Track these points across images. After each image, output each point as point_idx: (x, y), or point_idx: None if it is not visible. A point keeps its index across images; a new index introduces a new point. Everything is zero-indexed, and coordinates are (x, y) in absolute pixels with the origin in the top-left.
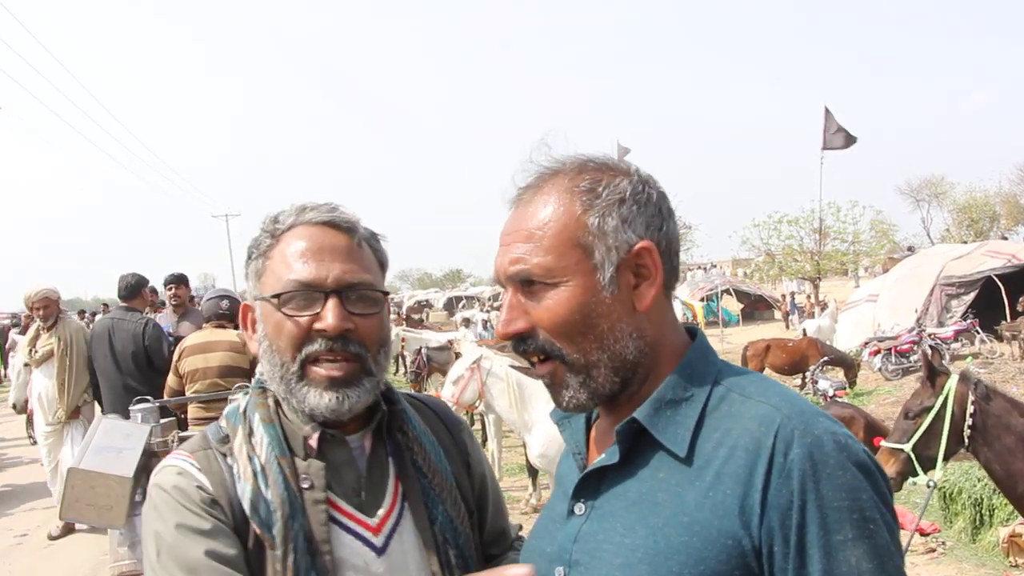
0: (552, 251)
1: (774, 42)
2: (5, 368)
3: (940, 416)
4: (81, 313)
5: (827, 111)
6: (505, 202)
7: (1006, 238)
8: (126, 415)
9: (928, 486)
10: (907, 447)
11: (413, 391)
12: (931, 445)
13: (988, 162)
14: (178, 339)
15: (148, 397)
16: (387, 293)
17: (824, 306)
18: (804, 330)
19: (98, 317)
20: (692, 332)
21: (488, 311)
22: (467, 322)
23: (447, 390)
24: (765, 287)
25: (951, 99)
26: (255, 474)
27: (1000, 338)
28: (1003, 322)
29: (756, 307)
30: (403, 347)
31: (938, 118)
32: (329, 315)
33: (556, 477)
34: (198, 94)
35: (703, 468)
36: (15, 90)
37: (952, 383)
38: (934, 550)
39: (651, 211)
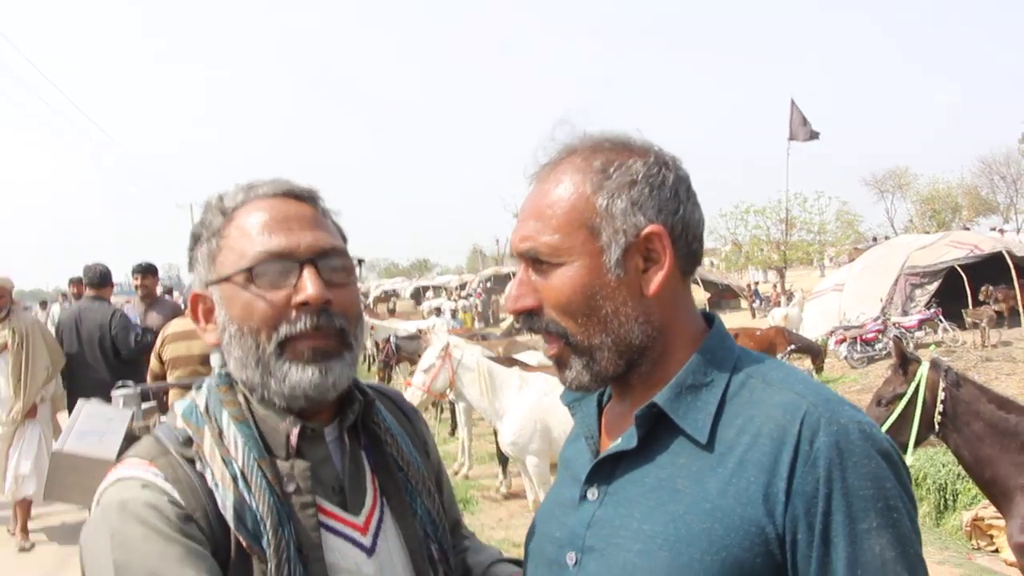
0: (559, 230)
1: (742, 33)
2: None
3: (912, 403)
4: (43, 304)
5: (793, 103)
6: (526, 178)
7: (968, 228)
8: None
9: None
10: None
11: (378, 380)
12: (903, 431)
13: (951, 155)
14: (146, 330)
15: (128, 383)
16: (361, 261)
17: (790, 296)
18: (771, 318)
19: (55, 305)
20: (709, 318)
21: (456, 300)
22: (438, 311)
23: (418, 378)
24: (732, 276)
25: (916, 93)
26: (235, 480)
27: (963, 327)
28: (967, 308)
29: (723, 296)
30: (371, 335)
31: (903, 111)
32: (309, 285)
33: (562, 460)
34: (162, 80)
35: (725, 455)
36: None
37: (923, 370)
38: None
39: (665, 194)
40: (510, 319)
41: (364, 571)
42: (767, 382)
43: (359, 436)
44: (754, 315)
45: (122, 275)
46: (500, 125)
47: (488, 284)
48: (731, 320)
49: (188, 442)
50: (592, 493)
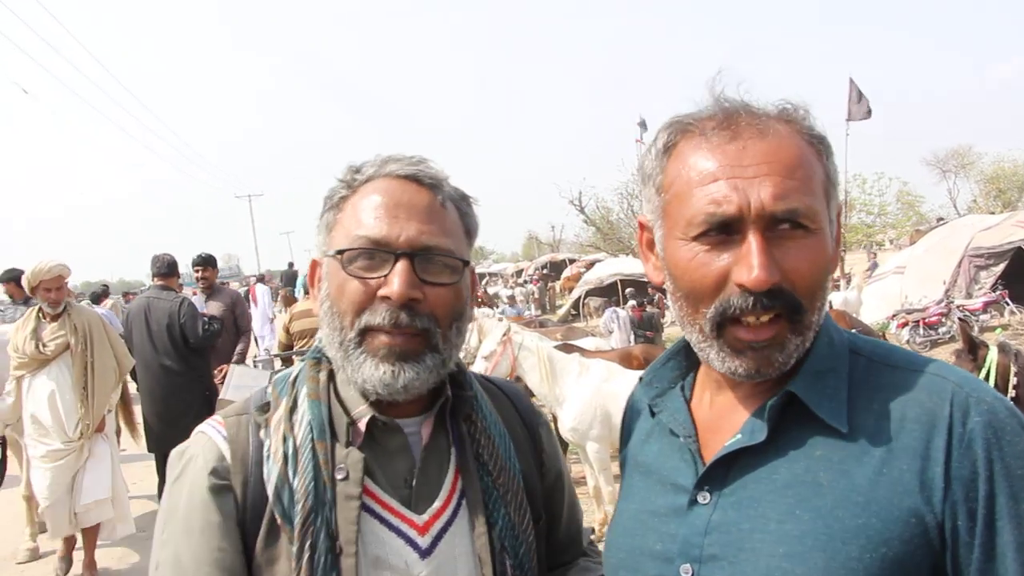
0: (815, 193)
1: (800, 13)
2: None
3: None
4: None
5: (851, 81)
6: (669, 135)
7: None
8: (161, 395)
9: None
10: None
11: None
12: None
13: (1016, 132)
14: (212, 318)
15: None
16: (467, 262)
17: (849, 279)
18: (831, 303)
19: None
20: None
21: (512, 287)
22: (499, 298)
23: (479, 365)
24: None
25: (978, 69)
26: (286, 458)
27: None
28: None
29: None
30: None
31: (965, 88)
32: (396, 280)
33: (637, 465)
34: (222, 74)
35: (868, 443)
36: (40, 75)
37: (992, 355)
38: None
39: None
40: (567, 306)
41: (414, 572)
42: (891, 365)
43: (449, 432)
44: None
45: (182, 267)
46: (552, 111)
47: (544, 271)
48: None
49: (265, 407)
50: (703, 497)
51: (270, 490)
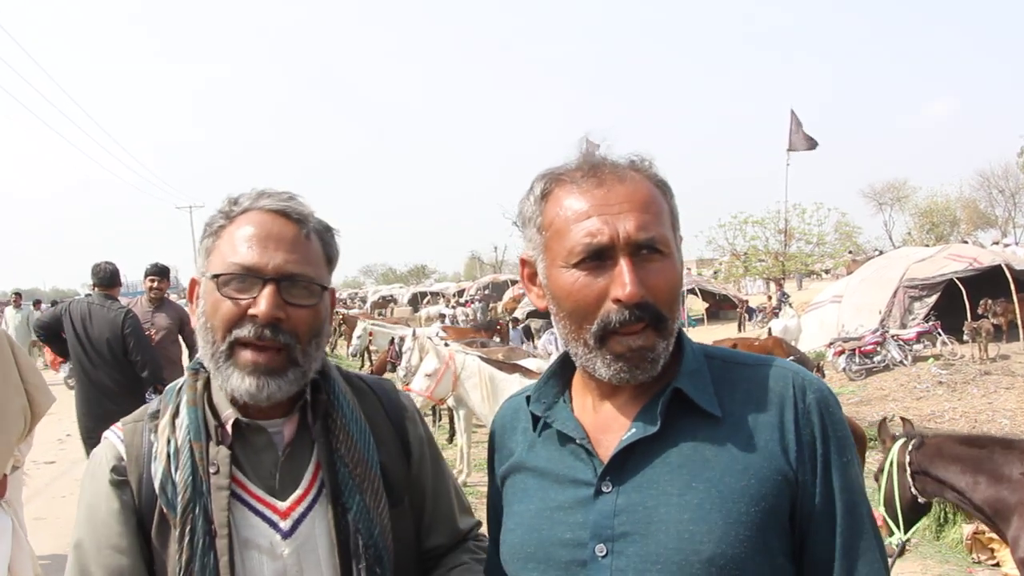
0: (666, 224)
1: (740, 45)
2: None
3: (889, 475)
4: (37, 303)
5: (793, 113)
6: (548, 183)
7: (967, 242)
8: (95, 409)
9: (895, 546)
10: (880, 509)
11: (366, 373)
12: (891, 505)
13: (950, 168)
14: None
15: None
16: (325, 287)
17: (779, 305)
18: (770, 330)
19: (9, 309)
20: None
21: (454, 307)
22: (442, 317)
23: (420, 383)
24: (731, 287)
25: (914, 105)
26: (169, 456)
27: (962, 340)
28: (966, 321)
29: (721, 307)
30: (370, 341)
31: (902, 124)
32: (262, 302)
33: (528, 470)
34: (163, 82)
35: (739, 423)
36: None
37: (895, 448)
38: None
39: None
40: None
41: (278, 551)
42: (741, 363)
43: (310, 430)
44: (740, 328)
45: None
46: (496, 133)
47: (486, 291)
48: (726, 331)
49: (156, 414)
50: (606, 486)
51: (156, 485)
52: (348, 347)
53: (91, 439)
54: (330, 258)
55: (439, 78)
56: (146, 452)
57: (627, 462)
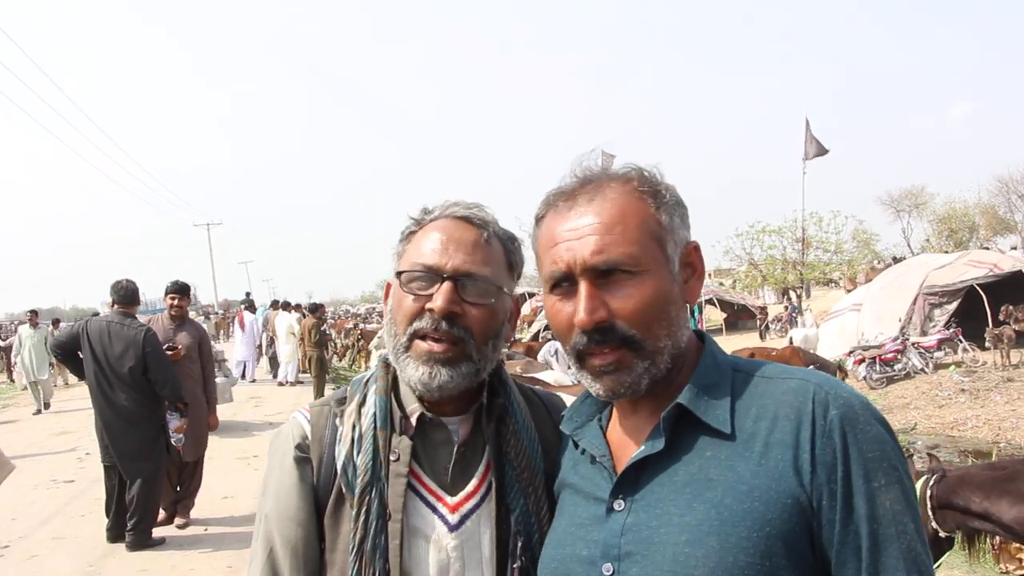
0: (636, 242)
1: (758, 54)
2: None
3: None
4: (55, 322)
5: (807, 122)
6: (539, 207)
7: (987, 248)
8: (113, 427)
9: None
10: None
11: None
12: None
13: (968, 174)
14: (170, 347)
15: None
16: (500, 287)
17: (796, 314)
18: (791, 339)
19: (24, 327)
20: (695, 331)
21: None
22: None
23: None
24: (748, 297)
25: (932, 111)
26: (353, 441)
27: (983, 346)
28: (988, 327)
29: (739, 317)
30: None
31: (919, 130)
32: (439, 297)
33: (567, 487)
34: (181, 102)
35: (749, 441)
36: None
37: (919, 483)
38: None
39: (688, 214)
40: (526, 339)
41: (444, 542)
42: (767, 376)
43: (484, 431)
44: (762, 337)
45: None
46: (512, 143)
47: None
48: (744, 341)
49: (342, 400)
50: (618, 504)
51: (338, 465)
52: (366, 363)
53: (108, 459)
54: (512, 264)
55: (455, 90)
56: (329, 435)
57: (640, 480)
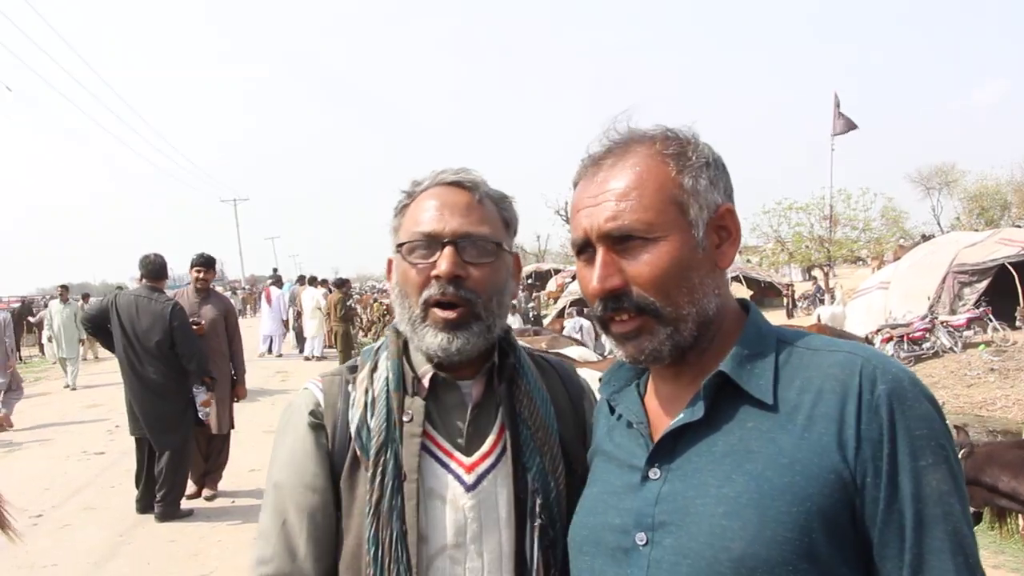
0: (651, 208)
1: (787, 30)
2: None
3: None
4: (85, 296)
5: (836, 96)
6: (575, 172)
7: (1019, 226)
8: (141, 399)
9: None
10: None
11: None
12: None
13: (1000, 151)
14: (197, 324)
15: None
16: (500, 244)
17: (832, 293)
18: (818, 316)
19: (55, 302)
20: (740, 300)
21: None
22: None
23: None
24: (775, 275)
25: (963, 88)
26: (366, 405)
27: (1014, 326)
28: (1018, 306)
29: (766, 294)
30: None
31: (950, 107)
32: (443, 262)
33: (601, 454)
34: (209, 78)
35: (792, 413)
36: (25, 73)
37: None
38: None
39: (727, 177)
40: (551, 316)
41: (460, 502)
42: (812, 348)
43: (496, 392)
44: (789, 315)
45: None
46: (538, 121)
47: (529, 280)
48: (771, 318)
49: (354, 368)
50: (654, 472)
51: (352, 429)
52: None
53: (138, 431)
54: (507, 221)
55: (480, 67)
56: (343, 402)
57: (676, 448)
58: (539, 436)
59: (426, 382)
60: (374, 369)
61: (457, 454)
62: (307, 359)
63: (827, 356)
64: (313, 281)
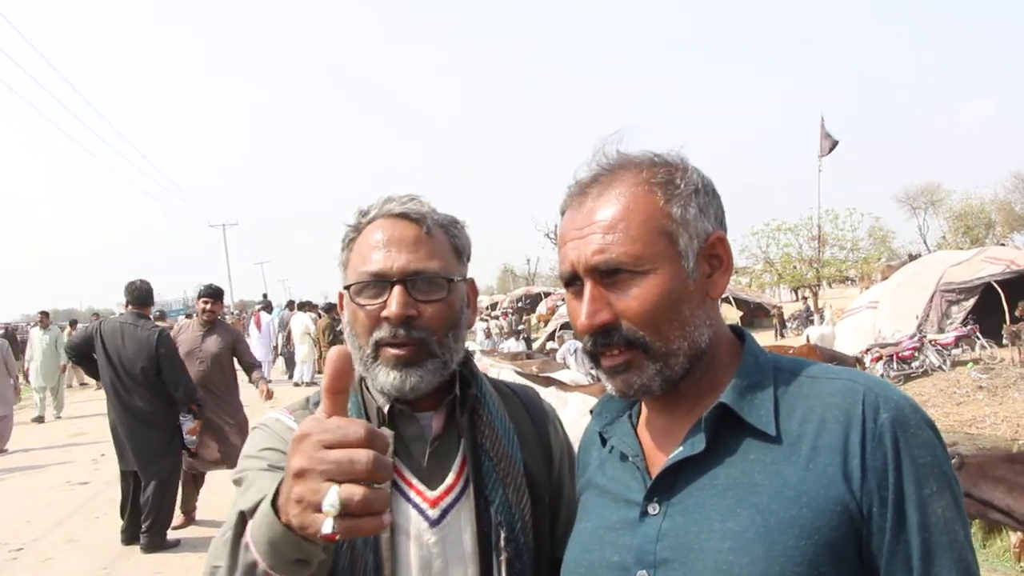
0: (639, 240)
1: (772, 51)
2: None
3: None
4: (73, 323)
5: (822, 119)
6: (569, 197)
7: (1004, 244)
8: (127, 429)
9: None
10: None
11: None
12: None
13: (984, 170)
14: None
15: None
16: (451, 279)
17: (821, 313)
18: (808, 337)
19: (35, 330)
20: (734, 329)
21: (487, 320)
22: (488, 333)
23: None
24: (764, 296)
25: (948, 107)
26: None
27: (1001, 343)
28: (1004, 326)
29: (755, 315)
30: None
31: (935, 127)
32: (392, 304)
33: (593, 488)
34: (197, 102)
35: (795, 444)
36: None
37: None
38: None
39: (717, 203)
40: (541, 339)
41: (425, 538)
42: (812, 376)
43: (458, 424)
44: (779, 336)
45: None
46: (528, 146)
47: (519, 304)
48: (761, 339)
49: (318, 403)
50: (653, 508)
51: None
52: None
53: (124, 461)
54: (458, 249)
55: (470, 91)
56: None
57: (676, 482)
58: (502, 467)
59: (385, 411)
60: None
61: (421, 488)
62: (296, 385)
63: (827, 384)
64: (303, 306)
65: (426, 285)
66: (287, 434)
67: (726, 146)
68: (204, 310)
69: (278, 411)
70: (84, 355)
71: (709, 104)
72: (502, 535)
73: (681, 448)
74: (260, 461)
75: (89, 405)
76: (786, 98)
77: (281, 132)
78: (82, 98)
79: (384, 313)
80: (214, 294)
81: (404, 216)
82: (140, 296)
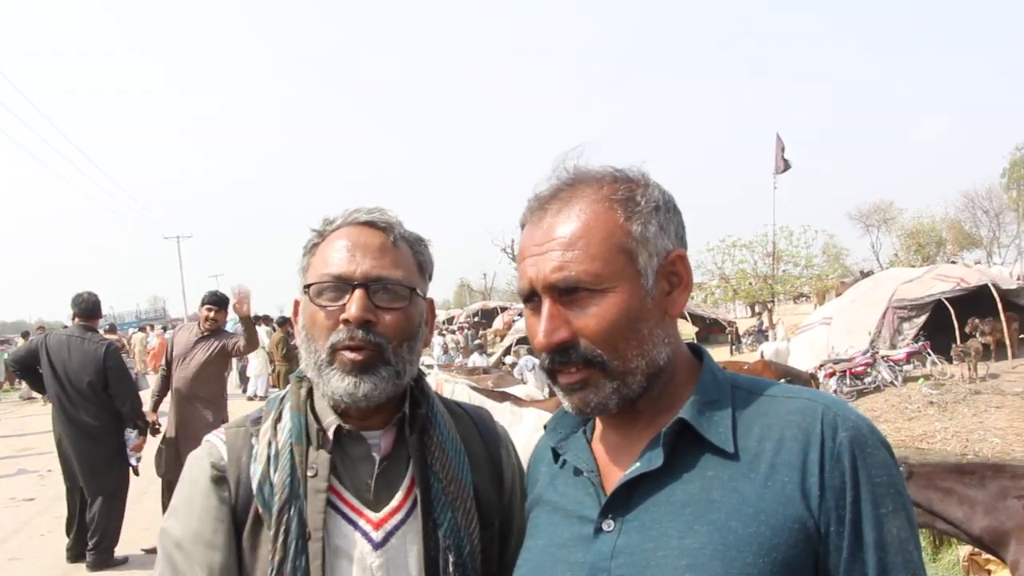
0: (599, 258)
1: (727, 67)
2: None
3: None
4: (25, 335)
5: (778, 137)
6: (528, 213)
7: (954, 262)
8: (78, 449)
9: None
10: None
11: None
12: None
13: (935, 189)
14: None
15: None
16: (413, 289)
17: (775, 329)
18: (762, 352)
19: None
20: (691, 346)
21: (444, 334)
22: (446, 348)
23: None
24: (720, 311)
25: (901, 127)
26: (268, 458)
27: (951, 360)
28: (954, 344)
29: (711, 331)
30: None
31: (888, 145)
32: (353, 305)
33: (544, 504)
34: (149, 111)
35: (753, 461)
36: None
37: None
38: None
39: (678, 219)
40: (498, 354)
41: (368, 561)
42: (770, 395)
43: (408, 444)
44: (732, 352)
45: (106, 308)
46: (485, 159)
47: (475, 318)
48: (716, 355)
49: (258, 420)
50: (607, 524)
51: (254, 485)
52: None
53: (70, 476)
54: (421, 265)
55: (424, 104)
56: (246, 455)
57: (632, 499)
58: (451, 490)
59: (331, 433)
60: (278, 420)
61: (365, 510)
62: (250, 399)
63: (785, 403)
64: (257, 320)
65: (387, 292)
66: (214, 454)
67: (684, 160)
68: (207, 318)
69: (215, 433)
70: (28, 368)
71: (664, 120)
72: (450, 559)
73: (638, 464)
74: (181, 551)
75: (35, 420)
76: (742, 115)
77: (236, 145)
78: (28, 101)
79: (343, 315)
80: (218, 301)
81: (371, 224)
82: (87, 308)
